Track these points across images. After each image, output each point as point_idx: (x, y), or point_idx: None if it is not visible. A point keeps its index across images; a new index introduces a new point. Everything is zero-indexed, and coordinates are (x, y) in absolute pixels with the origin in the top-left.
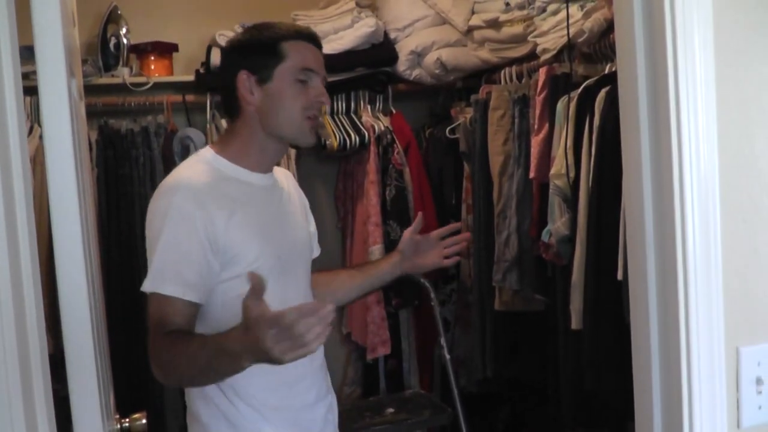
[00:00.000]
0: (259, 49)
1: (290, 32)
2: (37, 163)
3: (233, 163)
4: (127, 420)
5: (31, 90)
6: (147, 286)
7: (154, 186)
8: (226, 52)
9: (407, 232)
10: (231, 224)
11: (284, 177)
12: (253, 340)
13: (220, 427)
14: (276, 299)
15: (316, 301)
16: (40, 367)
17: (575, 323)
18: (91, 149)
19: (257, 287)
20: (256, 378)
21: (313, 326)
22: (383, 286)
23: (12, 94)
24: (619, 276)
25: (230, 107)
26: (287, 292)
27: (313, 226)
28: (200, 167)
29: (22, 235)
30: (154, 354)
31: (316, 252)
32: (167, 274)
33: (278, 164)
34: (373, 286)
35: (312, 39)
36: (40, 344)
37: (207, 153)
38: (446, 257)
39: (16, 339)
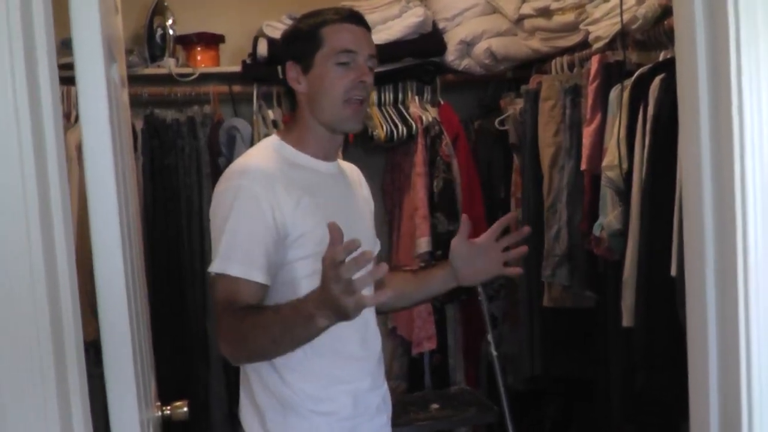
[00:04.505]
0: (301, 38)
1: (330, 17)
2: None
3: (298, 149)
4: (168, 407)
5: (74, 80)
6: (215, 267)
7: (199, 176)
8: (279, 45)
9: (455, 241)
10: (299, 208)
11: (355, 172)
12: (325, 292)
13: (275, 410)
14: None
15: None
16: (74, 353)
17: (627, 320)
18: (136, 138)
19: (335, 239)
20: (314, 359)
21: (355, 270)
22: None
23: (47, 83)
24: (673, 272)
25: (291, 97)
26: None
27: (371, 225)
28: (268, 153)
29: (56, 221)
30: (224, 332)
31: (376, 248)
32: (235, 256)
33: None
34: (424, 297)
35: (353, 18)
36: (75, 330)
37: (273, 139)
38: (506, 263)
39: (50, 325)
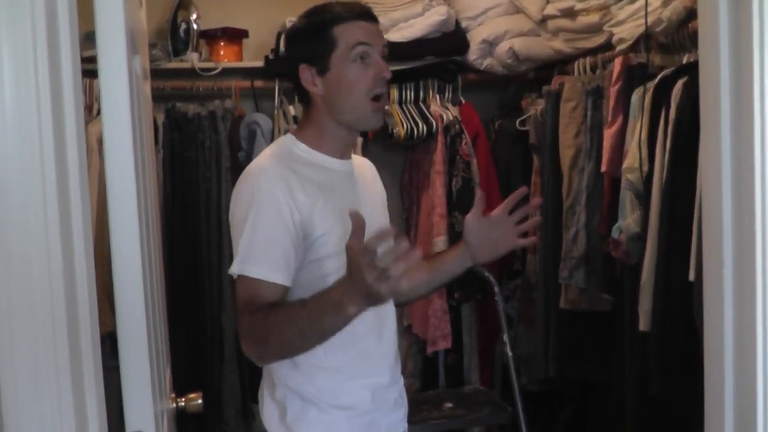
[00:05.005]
0: (312, 38)
1: (340, 14)
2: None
3: (312, 148)
4: (183, 399)
5: (97, 73)
6: (235, 269)
7: (219, 169)
8: (286, 42)
9: (469, 217)
10: (316, 208)
11: (366, 167)
12: (355, 280)
13: (294, 404)
14: None
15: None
16: (90, 344)
17: (643, 325)
18: (157, 131)
19: (358, 228)
20: (333, 354)
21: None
22: (451, 281)
23: (70, 75)
24: (691, 277)
25: (301, 96)
26: None
27: (386, 220)
28: (283, 152)
29: (75, 212)
30: (247, 333)
31: None
32: (254, 257)
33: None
34: (441, 281)
35: (364, 15)
36: (91, 321)
37: (288, 139)
38: (521, 235)
39: (66, 316)
